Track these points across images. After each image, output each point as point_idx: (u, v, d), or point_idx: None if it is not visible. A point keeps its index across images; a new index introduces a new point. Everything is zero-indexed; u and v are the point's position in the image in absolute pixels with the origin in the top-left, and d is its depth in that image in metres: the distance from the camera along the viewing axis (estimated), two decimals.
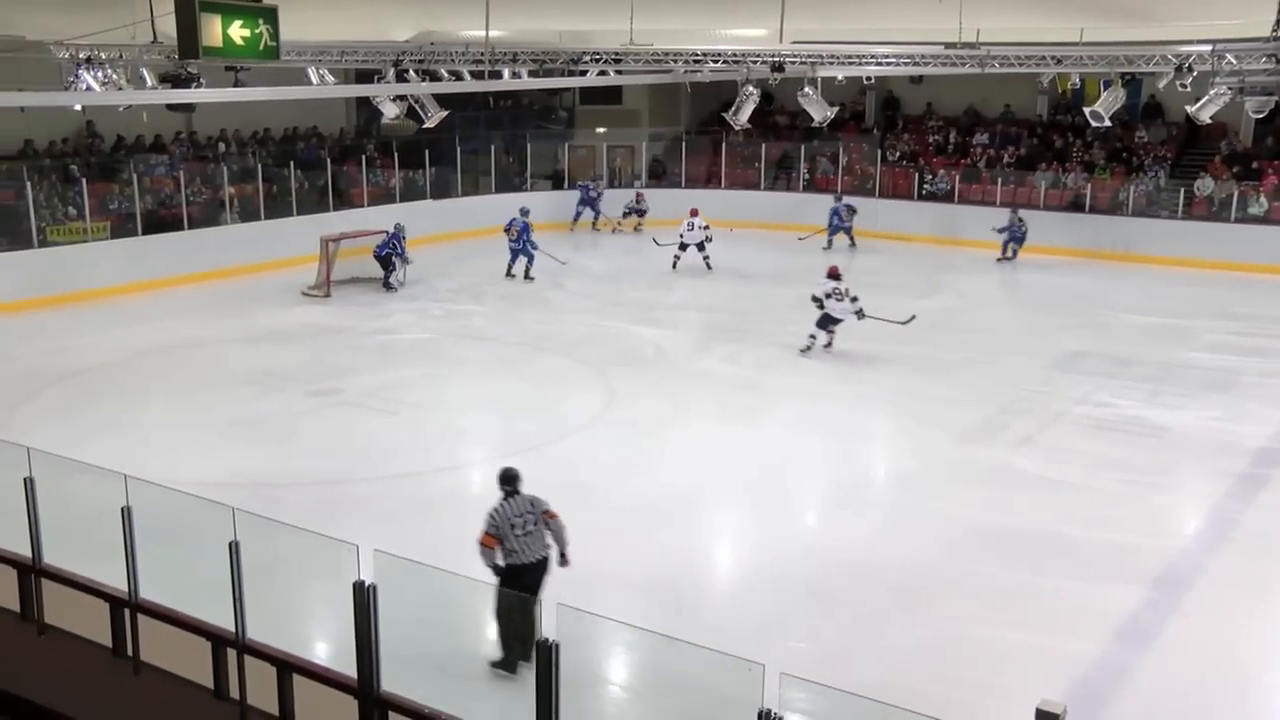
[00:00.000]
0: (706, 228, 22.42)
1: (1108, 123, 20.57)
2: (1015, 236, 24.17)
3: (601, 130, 31.20)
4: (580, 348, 16.70)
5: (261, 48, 11.17)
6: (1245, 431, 13.10)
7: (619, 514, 10.65)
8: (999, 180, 27.27)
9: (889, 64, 22.03)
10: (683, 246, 22.57)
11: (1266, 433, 13.09)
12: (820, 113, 22.07)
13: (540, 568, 7.68)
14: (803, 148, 29.38)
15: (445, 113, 20.92)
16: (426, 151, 26.01)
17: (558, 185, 29.12)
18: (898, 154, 29.51)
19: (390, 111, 20.61)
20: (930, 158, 29.21)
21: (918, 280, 22.40)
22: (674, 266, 22.62)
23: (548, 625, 5.77)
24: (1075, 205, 25.91)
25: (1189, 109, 19.70)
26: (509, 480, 7.84)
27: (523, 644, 6.94)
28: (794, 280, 22.17)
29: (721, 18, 23.23)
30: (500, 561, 7.56)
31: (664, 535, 10.21)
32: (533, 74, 22.50)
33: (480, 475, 12.16)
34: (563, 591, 6.69)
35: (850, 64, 22.15)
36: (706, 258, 22.56)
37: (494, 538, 7.58)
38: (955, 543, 10.03)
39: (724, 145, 29.42)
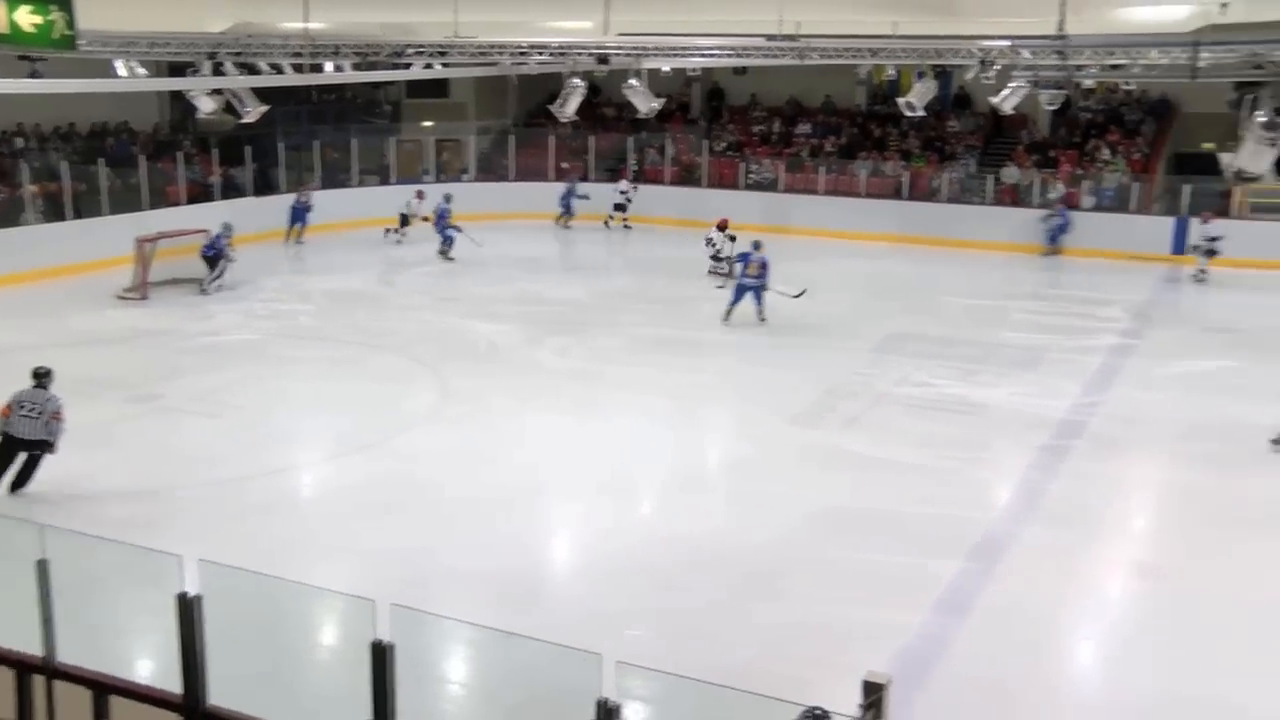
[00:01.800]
0: (733, 238, 20.97)
1: (921, 113, 21.38)
2: None
3: (428, 124, 30.79)
4: (413, 344, 16.49)
5: (56, 36, 10.44)
6: (1050, 405, 13.85)
7: (458, 509, 10.59)
8: (822, 169, 28.05)
9: (713, 56, 22.38)
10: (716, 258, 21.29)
11: (1067, 405, 13.88)
12: (646, 104, 22.23)
13: (31, 444, 10.17)
14: (630, 139, 29.62)
15: (265, 107, 20.27)
16: (249, 147, 25.18)
17: (384, 180, 28.62)
18: (724, 145, 30.03)
19: (206, 106, 19.84)
20: (755, 148, 29.82)
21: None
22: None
23: (382, 627, 5.69)
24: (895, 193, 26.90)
25: (993, 100, 20.64)
26: (38, 375, 10.33)
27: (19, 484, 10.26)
28: (621, 271, 22.44)
29: (547, 10, 23.25)
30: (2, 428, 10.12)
31: (505, 529, 10.20)
32: (356, 67, 22.02)
33: (313, 477, 11.95)
34: (402, 590, 6.61)
35: (675, 56, 22.43)
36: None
37: (8, 409, 10.15)
38: (792, 525, 10.30)
39: (552, 138, 29.40)
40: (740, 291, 17.30)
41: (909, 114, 21.46)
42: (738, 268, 17.71)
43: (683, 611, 8.73)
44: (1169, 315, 19.63)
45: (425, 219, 23.61)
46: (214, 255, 19.80)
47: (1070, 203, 25.17)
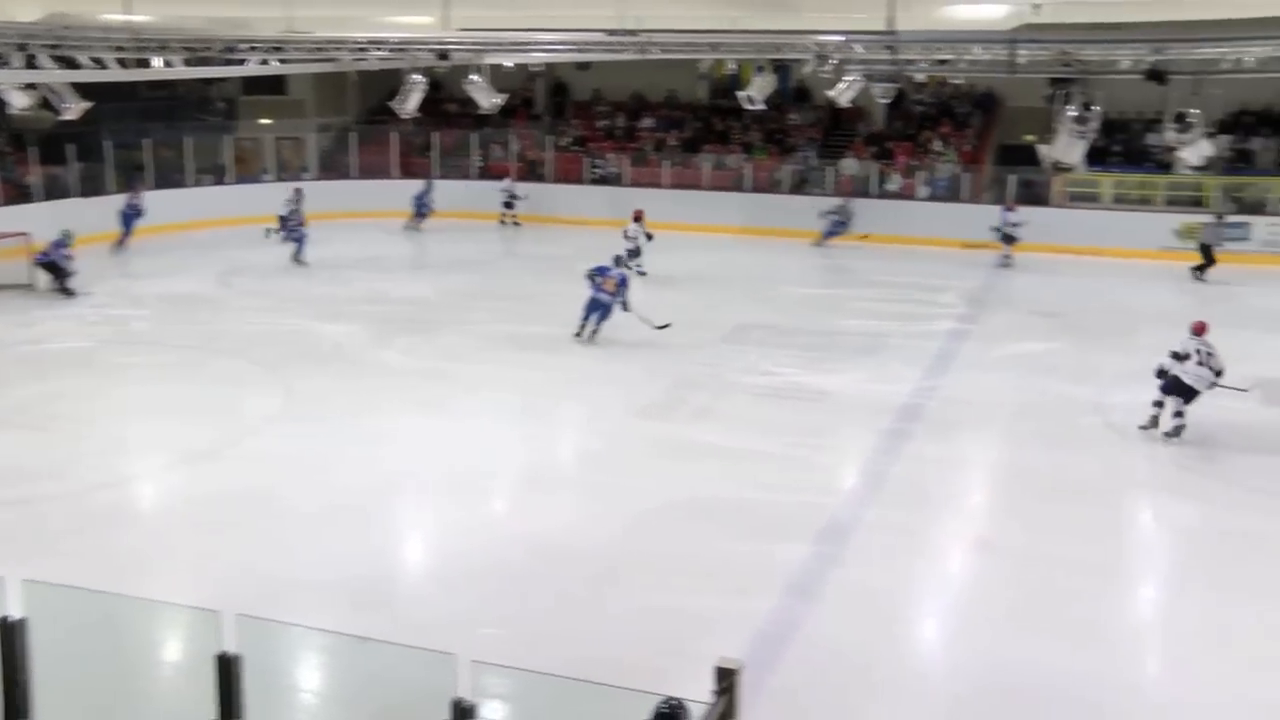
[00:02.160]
0: (650, 236, 20.96)
1: (761, 106, 21.80)
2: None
3: (266, 121, 29.94)
4: (254, 347, 16.03)
5: None
6: (892, 390, 14.31)
7: (306, 516, 10.34)
8: (666, 163, 28.33)
9: (554, 51, 22.36)
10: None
11: (908, 390, 14.36)
12: (488, 100, 22.10)
13: None
14: (474, 135, 29.38)
15: (88, 104, 19.41)
16: (72, 146, 24.02)
17: (219, 180, 27.72)
18: (568, 140, 30.06)
19: (20, 102, 18.77)
20: (599, 142, 29.93)
21: (591, 263, 22.91)
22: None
23: (228, 638, 5.55)
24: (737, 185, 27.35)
25: (830, 94, 21.17)
26: None
27: None
28: (470, 269, 22.25)
29: (385, 5, 22.81)
30: None
31: (354, 533, 10.00)
32: (187, 63, 21.25)
33: (150, 488, 11.51)
34: (254, 604, 6.44)
35: (517, 51, 22.36)
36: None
37: None
38: (642, 517, 10.39)
39: (395, 135, 28.95)
40: (592, 307, 16.19)
41: (749, 107, 21.85)
42: (596, 280, 16.28)
43: (536, 608, 8.73)
44: (1001, 300, 20.47)
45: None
46: (51, 262, 18.83)
47: (847, 190, 26.28)
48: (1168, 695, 7.81)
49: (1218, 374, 12.41)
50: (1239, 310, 19.21)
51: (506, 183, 27.32)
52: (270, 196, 26.82)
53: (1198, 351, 12.38)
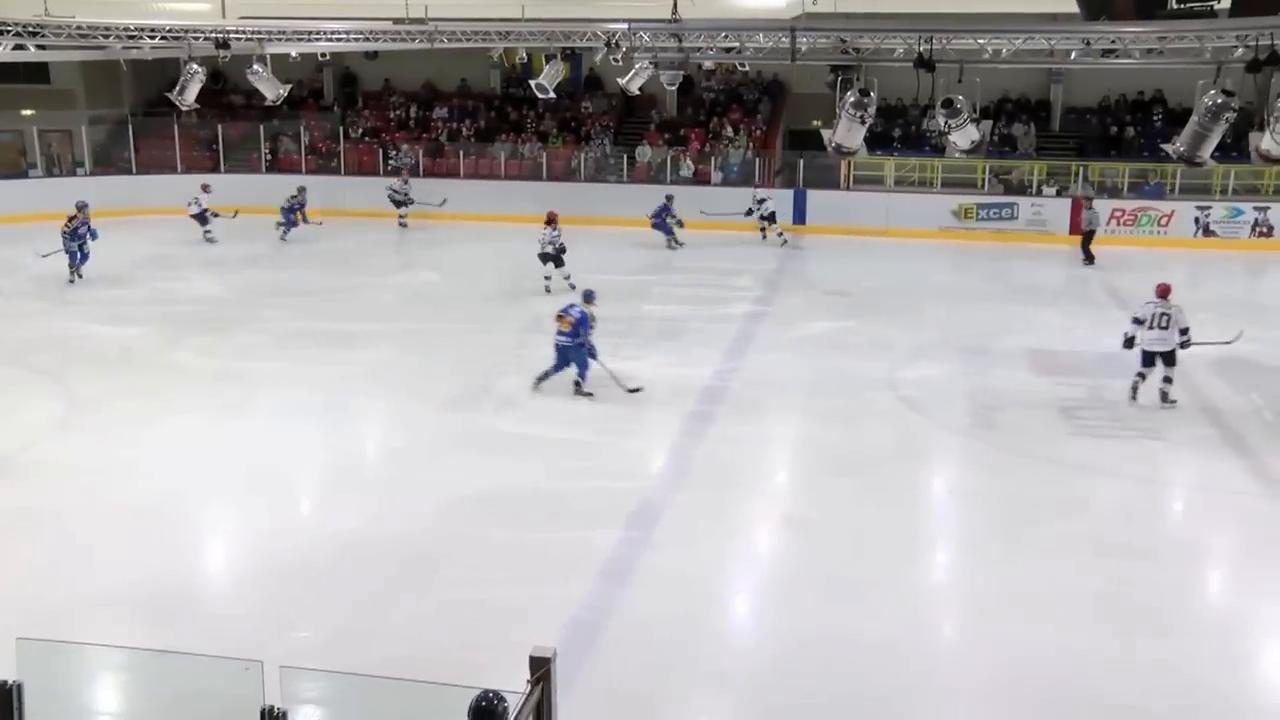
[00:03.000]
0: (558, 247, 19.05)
1: (553, 95, 21.90)
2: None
3: (29, 112, 28.13)
4: (30, 352, 15.09)
5: None
6: (694, 373, 14.62)
7: (96, 529, 9.81)
8: (461, 153, 28.07)
9: (341, 39, 21.86)
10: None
11: (710, 372, 14.71)
12: (273, 91, 21.42)
13: None
14: (261, 127, 28.42)
15: None
16: None
17: None
18: (360, 131, 29.42)
19: None
20: (393, 133, 29.42)
21: (392, 257, 22.58)
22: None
23: (7, 666, 5.23)
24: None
25: (621, 81, 21.41)
26: None
27: None
28: (264, 265, 21.55)
29: None
30: None
31: (150, 543, 9.55)
32: None
33: None
34: (39, 626, 6.09)
35: (301, 40, 21.73)
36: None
37: None
38: (450, 509, 10.31)
39: (176, 127, 27.69)
40: (559, 354, 13.73)
41: (541, 96, 21.91)
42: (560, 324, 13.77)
43: (346, 608, 8.55)
44: (794, 282, 21.17)
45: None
46: None
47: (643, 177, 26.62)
48: (961, 651, 8.27)
49: (1184, 332, 12.92)
50: (1009, 286, 20.49)
51: (396, 182, 26.12)
52: (37, 193, 25.44)
53: (1154, 316, 12.93)
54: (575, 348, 13.57)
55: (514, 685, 5.11)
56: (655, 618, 8.50)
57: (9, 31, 19.23)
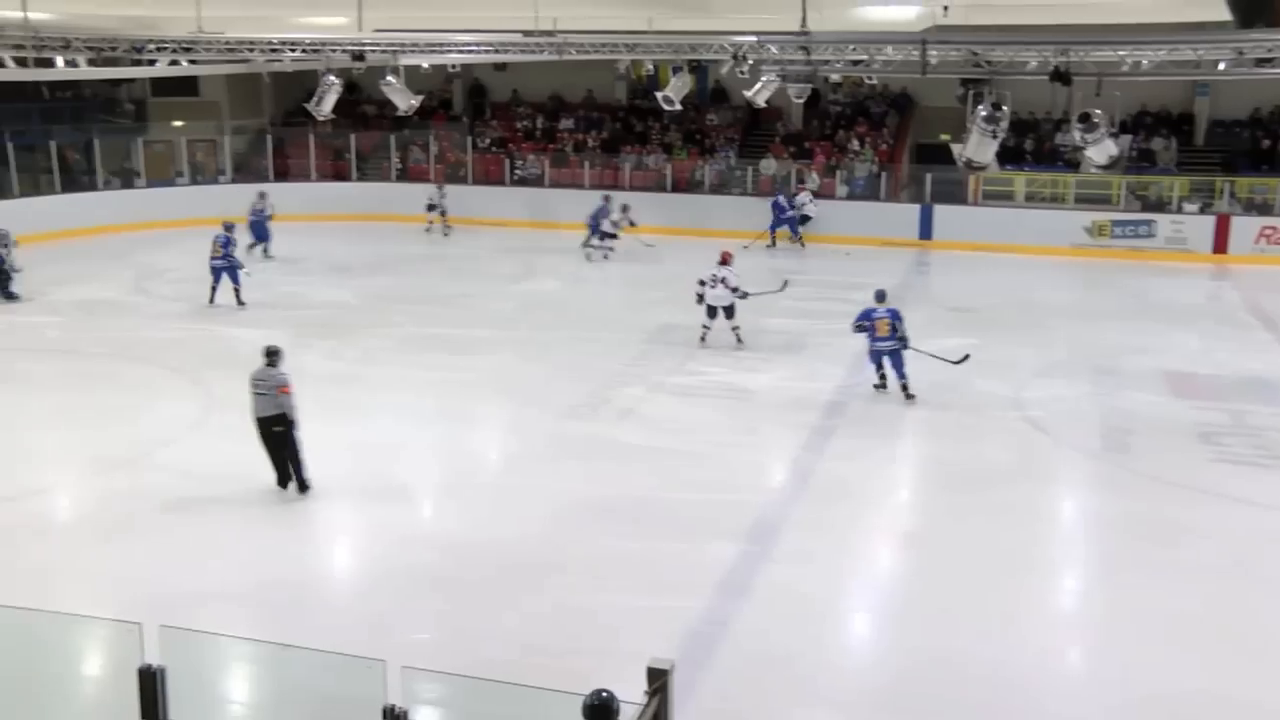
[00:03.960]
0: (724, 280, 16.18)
1: (679, 106, 21.89)
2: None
3: (179, 124, 29.33)
4: (170, 353, 15.70)
5: None
6: (814, 388, 14.47)
7: (227, 524, 10.18)
8: (586, 164, 28.32)
9: (471, 52, 22.27)
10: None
11: (831, 387, 14.53)
12: (405, 102, 21.92)
13: (270, 420, 10.55)
14: (393, 137, 29.11)
15: None
16: None
17: (127, 184, 27.11)
18: (488, 141, 29.90)
19: None
20: (519, 143, 29.82)
21: (514, 264, 22.87)
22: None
23: (151, 651, 5.43)
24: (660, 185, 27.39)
25: (747, 94, 21.34)
26: (267, 354, 10.73)
27: (282, 469, 10.70)
28: (390, 272, 22.04)
29: (298, 6, 22.54)
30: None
31: (277, 541, 9.88)
32: (92, 63, 20.75)
33: (64, 499, 11.21)
34: (175, 615, 6.31)
35: (433, 52, 22.22)
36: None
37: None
38: (570, 518, 10.38)
39: (312, 137, 28.55)
40: (875, 359, 14.05)
41: (667, 108, 21.94)
42: (870, 328, 13.92)
43: (463, 611, 8.68)
44: (919, 297, 20.76)
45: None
46: None
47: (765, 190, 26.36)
48: (1085, 679, 8.00)
49: None
50: (1144, 305, 19.81)
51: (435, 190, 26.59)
52: (183, 200, 26.43)
53: None
54: (894, 351, 13.78)
55: (623, 693, 5.11)
56: (772, 632, 8.42)
57: (167, 48, 20.09)
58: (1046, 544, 10.37)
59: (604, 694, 4.98)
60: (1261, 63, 15.79)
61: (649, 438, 12.59)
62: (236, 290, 18.46)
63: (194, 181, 28.01)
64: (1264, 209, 24.52)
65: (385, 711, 5.06)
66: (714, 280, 15.88)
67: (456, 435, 12.99)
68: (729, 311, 16.03)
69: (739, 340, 16.18)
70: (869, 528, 10.57)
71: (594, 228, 23.34)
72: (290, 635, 6.14)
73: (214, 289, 18.47)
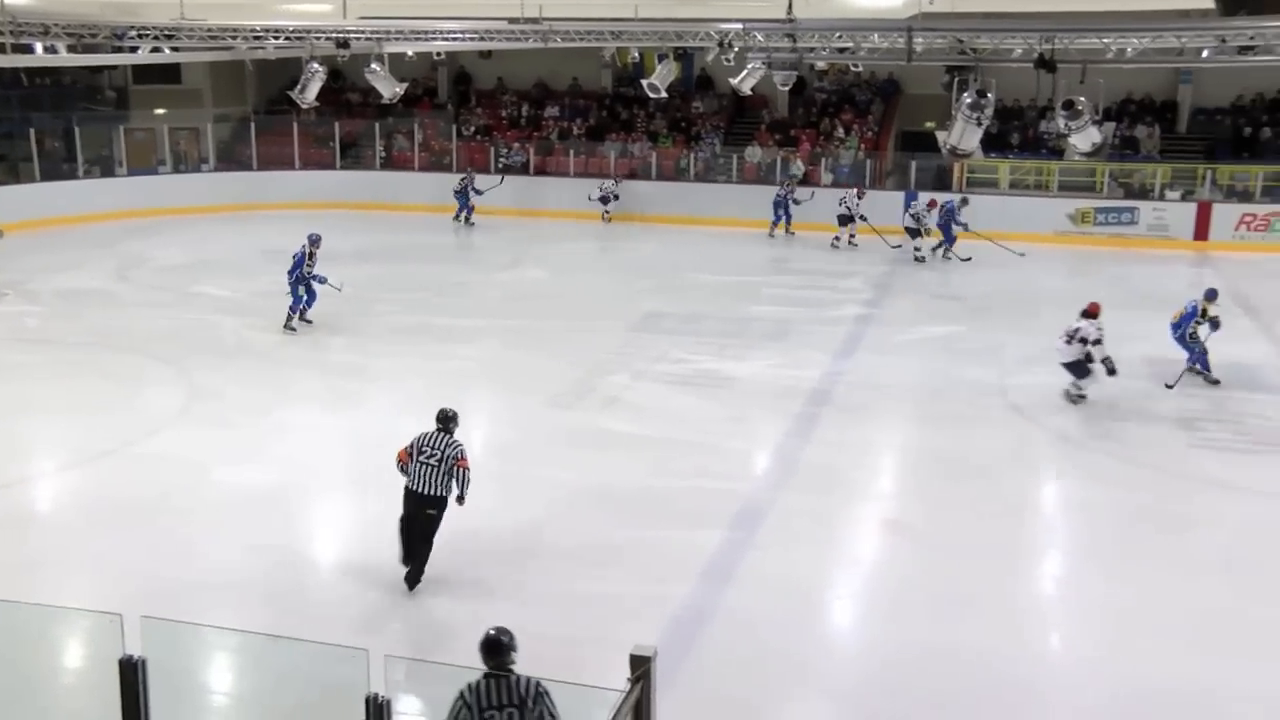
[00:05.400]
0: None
1: (664, 94, 21.86)
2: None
3: (160, 111, 29.14)
4: (154, 342, 15.61)
5: None
6: (800, 375, 14.47)
7: (209, 515, 10.11)
8: (572, 151, 28.26)
9: (456, 39, 22.17)
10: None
11: (817, 375, 14.53)
12: (389, 89, 21.82)
13: (427, 500, 8.61)
14: (377, 125, 29.00)
15: None
16: None
17: (107, 172, 26.94)
18: (472, 129, 29.81)
19: None
20: (504, 131, 29.75)
21: (501, 253, 22.82)
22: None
23: (133, 642, 5.40)
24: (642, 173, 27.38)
25: (733, 81, 21.30)
26: (442, 419, 8.93)
27: (417, 562, 8.66)
28: (376, 260, 21.96)
29: None
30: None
31: (263, 531, 9.80)
32: (72, 49, 20.58)
33: (46, 489, 11.13)
34: (157, 606, 6.27)
35: (418, 39, 22.11)
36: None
37: (407, 455, 8.81)
38: (556, 506, 10.35)
39: (295, 125, 28.41)
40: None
41: (653, 95, 21.90)
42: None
43: (450, 598, 8.65)
44: (905, 285, 20.81)
45: None
46: None
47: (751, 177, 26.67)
48: (1071, 668, 8.03)
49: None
50: (1127, 292, 19.85)
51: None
52: (165, 189, 26.27)
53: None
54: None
55: (612, 681, 5.11)
56: (757, 619, 8.43)
57: (148, 35, 19.94)
58: (1031, 532, 10.39)
59: (493, 631, 5.40)
60: (1244, 50, 15.81)
61: (635, 426, 12.58)
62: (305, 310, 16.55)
63: (176, 170, 27.85)
64: (1244, 196, 24.65)
65: (368, 700, 5.04)
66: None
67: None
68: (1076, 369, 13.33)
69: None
70: (855, 515, 10.57)
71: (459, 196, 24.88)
72: (280, 627, 6.11)
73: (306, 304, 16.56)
